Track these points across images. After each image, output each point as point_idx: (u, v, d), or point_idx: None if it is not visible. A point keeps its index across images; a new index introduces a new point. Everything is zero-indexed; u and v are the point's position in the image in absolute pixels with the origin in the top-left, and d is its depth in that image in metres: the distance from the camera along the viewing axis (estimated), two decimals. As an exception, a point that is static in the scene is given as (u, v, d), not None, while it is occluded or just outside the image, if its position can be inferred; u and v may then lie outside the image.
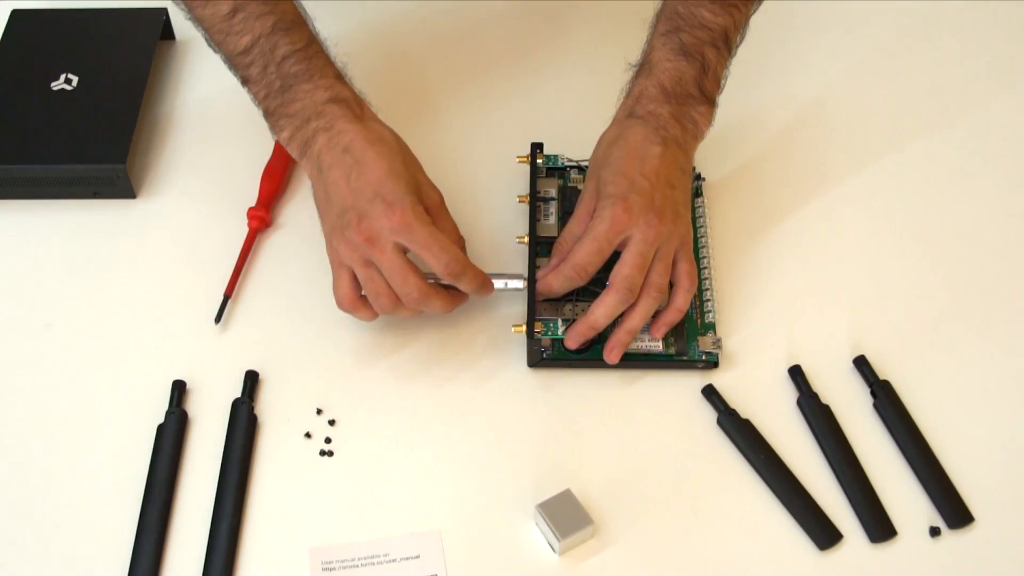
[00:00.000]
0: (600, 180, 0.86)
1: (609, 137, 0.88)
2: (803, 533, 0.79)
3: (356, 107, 0.86)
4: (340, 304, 0.85)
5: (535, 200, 0.92)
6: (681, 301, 0.86)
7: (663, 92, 0.87)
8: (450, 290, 0.85)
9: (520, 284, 0.87)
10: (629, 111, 0.88)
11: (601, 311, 0.83)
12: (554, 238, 0.90)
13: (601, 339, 0.86)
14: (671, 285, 0.86)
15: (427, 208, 0.84)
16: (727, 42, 0.88)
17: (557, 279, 0.85)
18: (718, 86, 0.89)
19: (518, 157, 0.96)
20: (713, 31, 0.87)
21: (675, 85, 0.87)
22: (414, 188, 0.83)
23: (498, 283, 0.87)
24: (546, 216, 0.92)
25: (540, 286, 0.86)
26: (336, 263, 0.84)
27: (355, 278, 0.84)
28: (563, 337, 0.86)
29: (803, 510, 0.80)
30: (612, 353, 0.85)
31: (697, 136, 0.88)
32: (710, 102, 0.88)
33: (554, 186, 0.95)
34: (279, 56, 0.85)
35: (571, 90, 1.05)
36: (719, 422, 0.84)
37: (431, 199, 0.86)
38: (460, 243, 0.87)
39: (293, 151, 0.87)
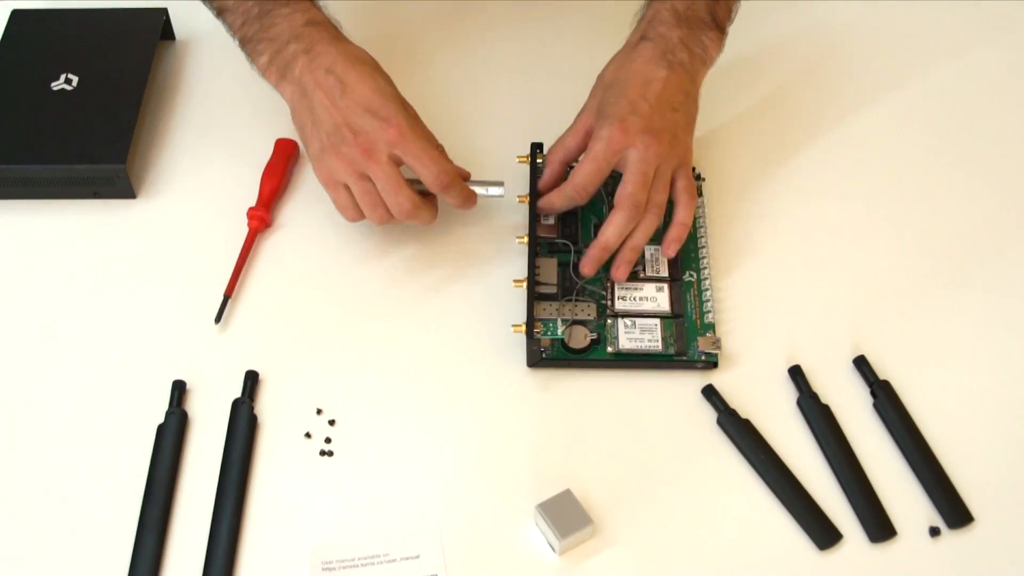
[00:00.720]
0: (602, 100, 0.88)
1: (618, 59, 0.90)
2: (803, 533, 0.79)
3: (332, 29, 0.89)
4: (347, 217, 0.89)
5: (535, 200, 0.92)
6: (684, 215, 0.88)
7: (675, 15, 0.88)
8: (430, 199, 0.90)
9: (500, 191, 0.90)
10: (642, 34, 0.89)
11: (612, 231, 0.86)
12: (554, 238, 0.90)
13: (601, 339, 0.86)
14: (671, 204, 0.89)
15: None
16: None
17: (559, 199, 0.88)
18: (729, 16, 0.91)
19: (518, 157, 0.96)
20: None
21: (687, 9, 0.88)
22: (400, 103, 0.87)
23: (478, 190, 0.90)
24: (546, 217, 0.92)
25: (542, 204, 0.89)
26: (330, 181, 0.88)
27: (350, 191, 0.87)
28: (563, 337, 0.86)
29: (803, 510, 0.80)
30: (619, 271, 0.88)
31: (706, 62, 0.90)
32: (720, 29, 0.90)
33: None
34: None
35: (571, 90, 1.04)
36: (719, 422, 0.84)
37: (411, 114, 0.89)
38: (441, 151, 0.89)
39: (271, 75, 0.89)
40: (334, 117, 0.85)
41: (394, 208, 0.86)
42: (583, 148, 0.89)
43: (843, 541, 0.79)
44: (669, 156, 0.87)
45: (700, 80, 0.90)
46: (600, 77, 0.91)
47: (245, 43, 0.90)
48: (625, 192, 0.85)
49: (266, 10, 0.88)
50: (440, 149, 0.89)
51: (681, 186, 0.88)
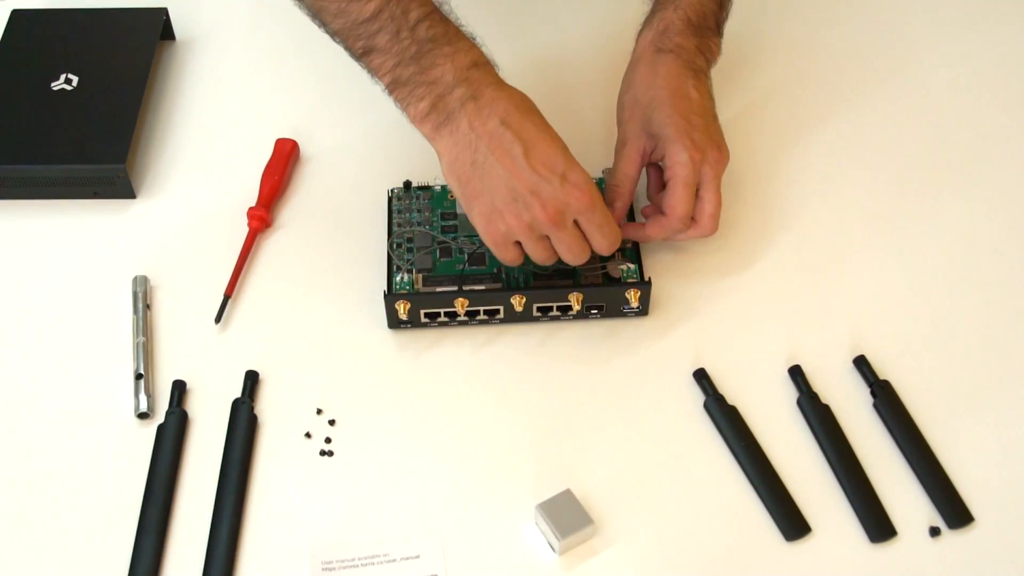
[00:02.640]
0: (651, 122, 0.88)
1: (641, 74, 0.90)
2: (807, 532, 0.79)
3: (494, 71, 0.83)
4: (508, 262, 0.85)
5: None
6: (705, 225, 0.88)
7: (688, 25, 0.90)
8: None
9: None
10: (656, 46, 0.90)
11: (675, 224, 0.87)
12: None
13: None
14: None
15: None
16: None
17: (662, 232, 0.88)
18: (725, 20, 0.94)
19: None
20: None
21: (699, 19, 0.90)
22: (573, 158, 0.82)
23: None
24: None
25: (642, 237, 0.89)
26: (502, 241, 0.83)
27: (520, 247, 0.84)
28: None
29: (773, 499, 0.80)
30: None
31: (711, 66, 0.92)
32: (721, 34, 0.93)
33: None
34: (412, 20, 0.80)
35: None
36: (705, 406, 0.84)
37: None
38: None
39: (428, 124, 0.82)
40: (515, 178, 0.80)
41: (571, 260, 0.84)
42: (640, 172, 0.90)
43: (843, 541, 0.79)
44: (726, 163, 0.89)
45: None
46: (632, 99, 0.90)
47: (398, 86, 0.82)
48: (707, 213, 0.87)
49: (425, 50, 0.80)
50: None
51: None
